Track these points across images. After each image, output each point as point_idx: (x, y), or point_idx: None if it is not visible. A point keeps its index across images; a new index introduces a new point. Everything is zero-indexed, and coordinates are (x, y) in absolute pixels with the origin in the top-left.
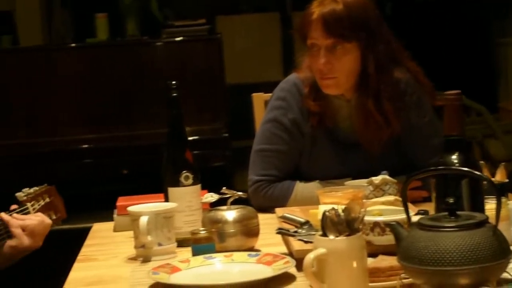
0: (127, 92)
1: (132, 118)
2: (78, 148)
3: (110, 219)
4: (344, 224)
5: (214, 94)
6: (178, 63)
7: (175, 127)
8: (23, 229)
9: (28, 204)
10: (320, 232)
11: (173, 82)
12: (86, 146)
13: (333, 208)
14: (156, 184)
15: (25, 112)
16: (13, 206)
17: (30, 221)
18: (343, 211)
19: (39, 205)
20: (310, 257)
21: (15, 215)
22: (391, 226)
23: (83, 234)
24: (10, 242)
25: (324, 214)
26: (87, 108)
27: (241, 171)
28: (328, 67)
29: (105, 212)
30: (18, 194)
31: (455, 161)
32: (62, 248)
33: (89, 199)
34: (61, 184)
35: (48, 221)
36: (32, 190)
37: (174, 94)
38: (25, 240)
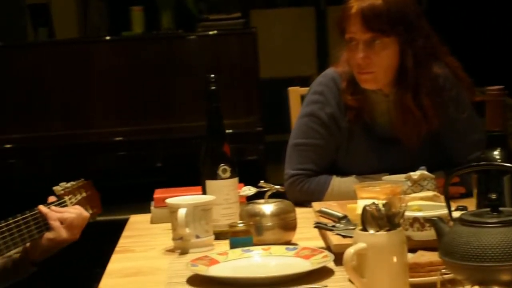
0: (162, 85)
1: (167, 111)
2: (113, 140)
3: (146, 211)
4: (384, 219)
5: (248, 88)
6: (213, 57)
7: (213, 120)
8: (62, 222)
9: (66, 198)
10: (360, 227)
11: (212, 76)
12: (121, 138)
13: (373, 203)
14: (190, 176)
15: (62, 104)
16: (51, 199)
17: (68, 214)
18: (383, 206)
19: (76, 199)
20: (350, 251)
21: (53, 207)
22: (433, 222)
23: (119, 226)
24: (48, 235)
25: (364, 208)
26: (122, 101)
27: (274, 165)
28: (366, 62)
29: (139, 204)
30: (55, 188)
31: (497, 157)
32: (98, 239)
33: (123, 191)
34: (96, 175)
35: (86, 214)
36: (69, 184)
37: (213, 88)
38: (63, 233)
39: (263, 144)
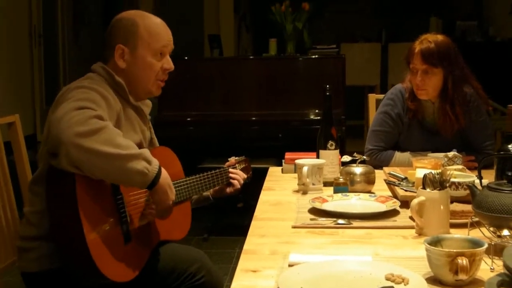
0: (286, 87)
1: (286, 103)
2: (252, 120)
3: (276, 164)
4: (438, 182)
5: (337, 91)
6: (317, 71)
7: (326, 113)
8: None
9: (237, 165)
10: (421, 186)
11: (328, 86)
12: (257, 119)
13: (431, 172)
14: (299, 143)
15: (222, 95)
16: (231, 161)
17: (238, 178)
18: (437, 174)
19: (240, 166)
20: (415, 201)
21: (234, 171)
22: (469, 186)
23: (259, 172)
24: (229, 189)
25: (425, 175)
26: (260, 95)
27: (350, 139)
28: (422, 83)
29: (268, 158)
30: (231, 158)
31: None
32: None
33: (257, 151)
34: (239, 141)
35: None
36: (237, 157)
37: (328, 93)
38: (236, 191)
39: (345, 126)
